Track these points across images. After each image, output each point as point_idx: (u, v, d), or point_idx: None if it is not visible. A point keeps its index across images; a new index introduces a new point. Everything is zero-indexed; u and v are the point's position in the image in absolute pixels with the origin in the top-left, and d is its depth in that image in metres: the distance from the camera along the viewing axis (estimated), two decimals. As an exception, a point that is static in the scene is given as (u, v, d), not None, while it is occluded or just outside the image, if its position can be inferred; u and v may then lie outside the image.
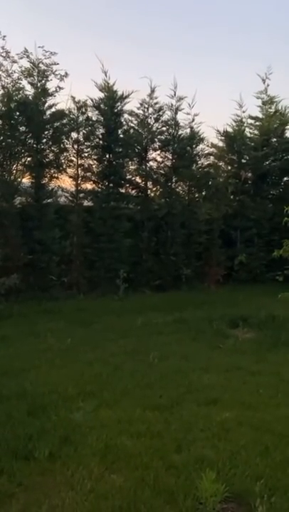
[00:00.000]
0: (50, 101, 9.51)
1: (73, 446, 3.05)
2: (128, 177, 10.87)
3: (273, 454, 3.00)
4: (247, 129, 12.56)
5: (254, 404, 3.87)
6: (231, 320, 7.00)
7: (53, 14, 20.85)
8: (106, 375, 4.51)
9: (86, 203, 10.35)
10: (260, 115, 12.66)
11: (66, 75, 9.62)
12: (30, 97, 9.31)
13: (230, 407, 3.78)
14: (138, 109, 10.65)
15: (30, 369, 4.65)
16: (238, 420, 3.53)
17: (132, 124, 10.76)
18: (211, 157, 12.15)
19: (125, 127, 10.64)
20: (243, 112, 12.33)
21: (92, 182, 10.40)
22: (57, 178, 9.83)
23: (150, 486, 2.61)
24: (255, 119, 12.63)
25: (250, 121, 12.59)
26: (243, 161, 12.33)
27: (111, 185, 10.43)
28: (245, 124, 12.44)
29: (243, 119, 12.38)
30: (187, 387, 4.22)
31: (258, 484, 2.59)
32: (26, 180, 9.57)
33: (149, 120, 10.79)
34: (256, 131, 12.64)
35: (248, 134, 12.59)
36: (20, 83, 9.33)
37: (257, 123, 12.64)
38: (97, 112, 10.16)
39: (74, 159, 10.03)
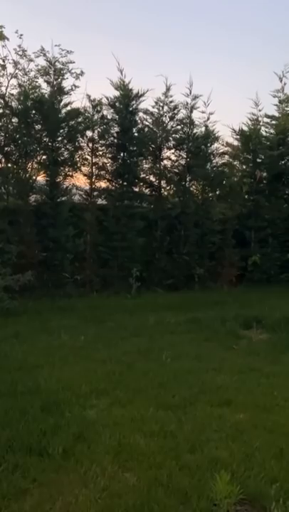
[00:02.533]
0: (65, 99, 9.58)
1: (87, 443, 3.06)
2: (142, 176, 10.85)
3: (288, 457, 2.96)
4: (263, 128, 12.41)
5: (268, 407, 3.82)
6: (245, 321, 6.93)
7: (69, 14, 20.95)
8: (119, 374, 4.51)
9: (100, 202, 10.37)
10: (277, 114, 12.49)
11: (82, 73, 9.70)
12: (46, 96, 9.37)
13: (244, 409, 3.75)
14: (153, 107, 10.63)
15: (44, 365, 4.68)
16: (252, 422, 3.49)
17: (147, 123, 10.73)
18: (226, 156, 12.05)
19: (140, 126, 10.62)
20: (259, 110, 12.18)
21: (106, 180, 10.42)
22: (71, 176, 9.88)
23: (163, 485, 2.59)
24: (272, 117, 12.46)
25: (266, 120, 12.42)
26: (259, 160, 12.16)
27: (125, 183, 10.43)
28: (261, 123, 12.30)
29: (259, 118, 12.23)
30: (200, 388, 4.20)
31: (273, 487, 2.56)
32: (41, 179, 9.65)
33: (163, 118, 10.74)
34: (272, 130, 12.46)
35: (264, 133, 12.42)
36: (36, 81, 9.45)
37: (273, 122, 12.46)
38: (112, 111, 10.16)
39: (88, 157, 10.08)
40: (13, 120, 9.16)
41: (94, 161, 10.10)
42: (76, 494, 2.50)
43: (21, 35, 9.26)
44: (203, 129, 11.21)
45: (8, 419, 3.34)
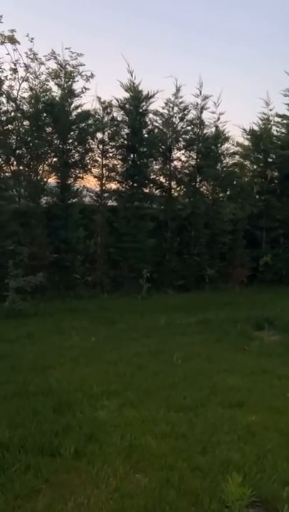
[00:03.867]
0: (76, 102, 9.65)
1: (98, 444, 3.06)
2: (152, 177, 10.87)
3: (301, 460, 2.93)
4: (274, 128, 12.34)
5: (281, 409, 3.78)
6: (256, 322, 6.88)
7: (80, 17, 21.09)
8: (130, 375, 4.51)
9: (110, 203, 10.42)
10: (288, 113, 12.40)
11: (92, 75, 9.73)
12: (57, 98, 9.44)
13: (256, 411, 3.71)
14: (163, 108, 10.67)
15: (56, 366, 4.71)
16: (264, 424, 3.46)
17: (157, 124, 10.76)
18: (236, 156, 12.01)
19: (150, 127, 10.64)
20: (270, 110, 12.12)
21: (116, 182, 10.46)
22: (82, 178, 9.95)
23: (175, 487, 2.59)
24: (283, 117, 12.37)
25: (277, 119, 12.35)
26: (270, 159, 12.10)
27: (135, 185, 10.45)
28: (271, 123, 12.22)
29: (270, 118, 12.16)
30: (211, 389, 4.18)
31: (286, 489, 2.53)
32: (52, 181, 9.72)
33: (173, 119, 10.76)
34: (283, 130, 12.38)
35: (275, 133, 12.35)
36: (47, 84, 9.50)
37: (284, 121, 12.37)
38: (122, 112, 10.20)
39: (99, 159, 10.12)
40: (24, 123, 9.25)
41: (104, 162, 10.15)
42: (88, 495, 2.51)
43: (32, 38, 9.33)
44: (213, 129, 11.21)
45: (20, 420, 3.36)
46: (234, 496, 2.41)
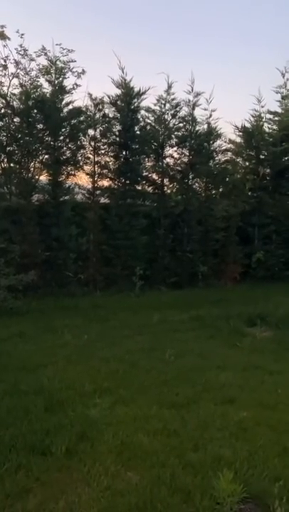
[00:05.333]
0: (67, 98, 9.55)
1: (90, 442, 3.06)
2: (144, 174, 10.82)
3: (292, 455, 2.95)
4: (265, 124, 12.32)
5: (272, 405, 3.81)
6: (249, 318, 6.91)
7: (71, 14, 20.93)
8: (122, 372, 4.51)
9: (103, 200, 10.36)
10: (279, 110, 12.41)
11: (83, 72, 9.67)
12: (47, 95, 9.35)
13: (247, 407, 3.73)
14: (155, 105, 10.58)
15: (48, 365, 4.69)
16: (255, 420, 3.47)
17: (149, 121, 10.69)
18: (229, 153, 11.98)
19: (142, 124, 10.57)
20: (262, 106, 12.09)
21: (108, 179, 10.39)
22: (74, 175, 9.88)
23: (167, 484, 2.59)
24: (274, 113, 12.37)
25: (268, 116, 12.32)
26: (262, 156, 12.10)
27: (127, 182, 10.41)
28: (263, 119, 12.21)
29: (262, 114, 12.15)
30: (204, 386, 4.19)
31: (277, 485, 2.54)
32: (44, 178, 9.65)
33: (165, 116, 10.69)
34: (275, 127, 12.38)
35: (267, 129, 12.33)
36: (38, 81, 9.41)
37: (276, 118, 12.37)
38: (113, 109, 10.13)
39: (91, 156, 10.05)
40: (15, 120, 9.16)
41: (96, 159, 10.09)
42: (79, 493, 2.51)
43: (22, 34, 9.25)
44: (205, 126, 11.17)
45: (11, 419, 3.34)
46: (225, 493, 2.42)
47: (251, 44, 23.45)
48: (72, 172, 9.83)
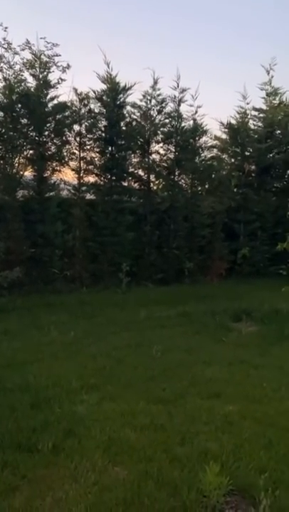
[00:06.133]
0: (52, 93, 9.46)
1: (77, 438, 3.05)
2: (131, 170, 10.80)
3: (277, 448, 3.00)
4: (251, 121, 12.44)
5: (257, 398, 3.86)
6: (234, 313, 6.99)
7: (55, 7, 20.65)
8: (109, 368, 4.51)
9: (88, 197, 10.30)
10: (264, 107, 12.53)
11: (68, 66, 9.55)
12: (32, 89, 9.23)
13: (233, 401, 3.77)
14: (141, 101, 10.56)
15: (34, 362, 4.66)
16: (241, 414, 3.52)
17: (135, 116, 10.66)
18: (215, 149, 12.06)
19: (128, 119, 10.54)
20: (247, 103, 12.20)
21: (94, 175, 10.34)
22: (59, 171, 9.78)
23: (154, 478, 2.60)
24: (259, 110, 12.50)
25: (254, 113, 12.47)
26: (247, 153, 12.21)
27: (113, 178, 10.37)
28: (248, 116, 12.32)
29: (247, 111, 12.25)
30: (190, 381, 4.22)
31: (262, 477, 2.57)
32: (28, 174, 9.53)
33: (151, 112, 10.68)
34: (260, 123, 12.51)
35: (252, 126, 12.47)
36: (22, 75, 9.24)
37: (261, 115, 12.50)
38: (99, 104, 10.07)
39: (76, 152, 9.98)
40: (-2, 114, 9.01)
41: (82, 155, 10.02)
42: (66, 490, 2.50)
43: (6, 28, 9.08)
44: (191, 122, 11.22)
45: (-3, 417, 3.31)
46: (212, 486, 2.44)
47: (238, 40, 23.55)
48: (58, 168, 9.74)
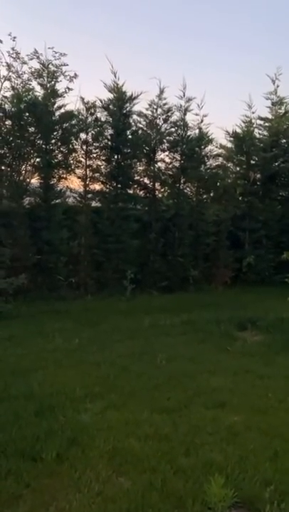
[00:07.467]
0: (59, 102, 9.56)
1: (81, 447, 3.03)
2: (136, 178, 10.85)
3: (283, 459, 2.96)
4: (256, 130, 12.49)
5: (263, 409, 3.82)
6: (239, 322, 6.94)
7: (63, 17, 20.95)
8: (113, 377, 4.49)
9: (94, 204, 10.36)
10: (270, 116, 12.59)
11: (75, 76, 9.68)
12: (39, 98, 9.34)
13: (238, 411, 3.74)
14: (147, 110, 10.65)
15: (38, 369, 4.65)
16: (246, 424, 3.48)
17: (141, 125, 10.74)
18: (220, 158, 12.10)
19: (134, 128, 10.61)
20: (253, 112, 12.27)
21: (100, 183, 10.40)
22: (65, 178, 9.86)
23: (158, 489, 2.58)
24: (265, 119, 12.55)
25: (259, 122, 12.51)
26: (252, 162, 12.24)
27: (119, 186, 10.42)
28: (254, 125, 12.38)
29: (252, 120, 12.31)
30: (195, 390, 4.19)
31: (268, 490, 2.55)
32: (35, 181, 9.62)
33: (157, 121, 10.76)
34: (265, 132, 12.56)
35: (257, 135, 12.52)
36: (30, 84, 9.41)
37: (266, 124, 12.55)
38: (106, 113, 10.16)
39: (82, 160, 10.05)
40: (6, 123, 9.13)
41: (88, 163, 10.09)
42: (70, 499, 2.48)
43: (15, 37, 9.23)
44: (196, 131, 11.27)
45: (0, 424, 3.30)
46: (217, 498, 2.42)
47: (243, 50, 23.73)
48: (64, 175, 9.82)
